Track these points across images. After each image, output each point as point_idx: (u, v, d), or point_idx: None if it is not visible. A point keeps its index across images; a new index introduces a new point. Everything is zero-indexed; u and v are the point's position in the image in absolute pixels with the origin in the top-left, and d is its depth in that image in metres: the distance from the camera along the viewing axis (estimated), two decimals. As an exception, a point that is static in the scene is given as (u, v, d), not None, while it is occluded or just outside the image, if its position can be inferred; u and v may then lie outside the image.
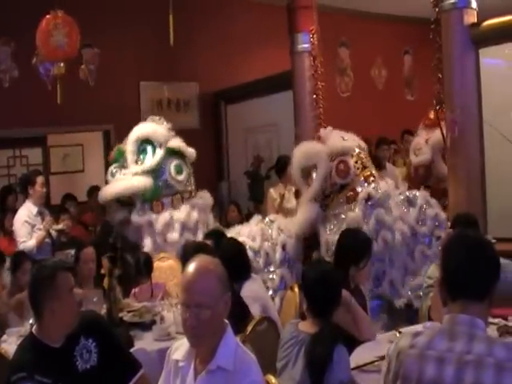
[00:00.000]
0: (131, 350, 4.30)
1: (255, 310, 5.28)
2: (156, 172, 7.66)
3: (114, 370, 3.46)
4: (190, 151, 8.03)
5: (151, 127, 7.86)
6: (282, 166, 9.19)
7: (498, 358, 2.52)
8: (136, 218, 7.56)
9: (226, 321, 3.11)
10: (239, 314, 4.86)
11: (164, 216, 7.53)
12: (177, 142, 7.90)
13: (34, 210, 7.94)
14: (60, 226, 8.33)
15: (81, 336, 3.44)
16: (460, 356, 2.57)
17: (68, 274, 3.43)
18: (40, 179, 8.06)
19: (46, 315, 3.34)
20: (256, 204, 10.58)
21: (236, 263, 5.53)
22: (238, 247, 5.87)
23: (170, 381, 3.16)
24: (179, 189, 7.74)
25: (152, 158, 7.67)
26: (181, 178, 7.75)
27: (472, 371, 2.53)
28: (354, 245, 5.23)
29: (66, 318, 3.38)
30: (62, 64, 7.86)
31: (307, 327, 4.18)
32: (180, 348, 3.19)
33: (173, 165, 7.71)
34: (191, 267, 3.03)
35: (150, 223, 7.53)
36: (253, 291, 5.51)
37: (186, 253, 5.35)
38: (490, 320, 4.61)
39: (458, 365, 2.56)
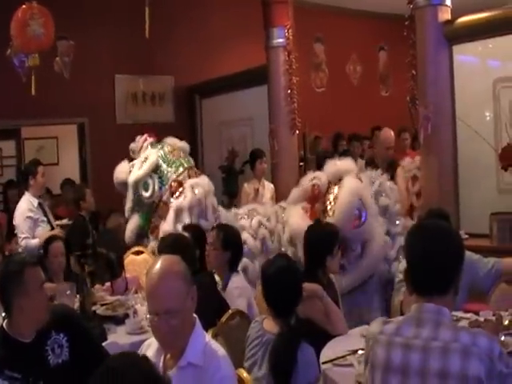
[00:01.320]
0: (104, 344, 4.29)
1: (242, 304, 5.31)
2: (136, 205, 7.42)
3: (85, 364, 3.44)
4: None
5: (117, 172, 7.68)
6: (255, 159, 9.21)
7: (463, 344, 2.57)
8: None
9: (195, 315, 3.08)
10: (218, 309, 4.89)
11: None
12: (135, 172, 7.37)
13: (35, 201, 7.68)
14: (65, 221, 8.15)
15: (52, 331, 3.41)
16: (426, 342, 2.62)
17: (37, 269, 3.38)
18: (41, 169, 7.82)
19: (15, 311, 3.30)
20: (230, 198, 10.57)
21: (236, 252, 5.61)
22: (239, 237, 5.86)
23: None
24: (155, 200, 7.31)
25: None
26: (148, 194, 7.27)
27: (438, 357, 2.58)
28: (325, 234, 5.25)
29: (36, 313, 3.34)
30: (36, 55, 7.79)
31: (271, 326, 4.15)
32: (150, 346, 3.17)
33: (140, 186, 7.35)
34: (154, 272, 2.96)
35: None
36: (241, 285, 5.53)
37: (163, 245, 5.35)
38: (463, 315, 4.67)
39: (425, 351, 2.61)
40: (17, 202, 7.91)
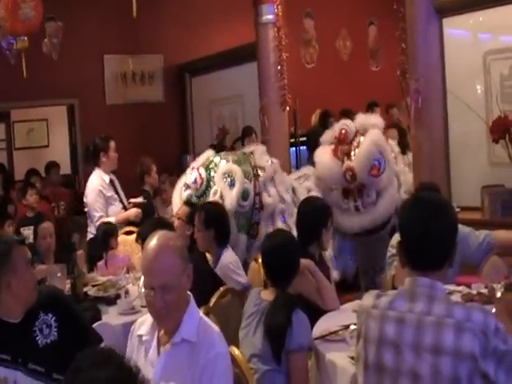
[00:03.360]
0: (96, 325, 4.29)
1: (239, 278, 5.41)
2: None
3: (74, 344, 3.42)
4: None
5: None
6: (244, 137, 9.19)
7: (457, 319, 2.55)
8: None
9: (189, 292, 3.10)
10: (213, 286, 4.90)
11: None
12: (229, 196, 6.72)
13: (107, 178, 7.45)
14: (140, 200, 7.82)
15: (40, 311, 3.38)
16: (420, 317, 2.61)
17: (23, 248, 3.36)
18: (113, 144, 7.57)
19: (3, 291, 3.26)
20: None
21: (220, 228, 5.61)
22: (222, 213, 5.86)
23: (132, 357, 3.14)
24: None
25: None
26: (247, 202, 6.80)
27: (432, 332, 2.57)
28: (319, 208, 5.31)
29: (24, 292, 3.32)
30: (25, 38, 7.71)
31: (268, 295, 4.21)
32: (144, 323, 3.18)
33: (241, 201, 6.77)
34: (150, 247, 2.98)
35: None
36: (234, 260, 5.57)
37: (145, 229, 5.36)
38: (454, 288, 4.67)
39: (418, 325, 2.60)
40: (4, 187, 7.83)
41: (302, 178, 7.47)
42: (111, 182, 7.48)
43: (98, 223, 7.05)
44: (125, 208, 7.56)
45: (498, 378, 2.52)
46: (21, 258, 3.32)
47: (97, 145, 7.63)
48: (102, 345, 3.57)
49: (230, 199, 6.50)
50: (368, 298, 2.82)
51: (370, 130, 6.90)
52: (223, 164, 6.77)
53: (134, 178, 8.44)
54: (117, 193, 7.54)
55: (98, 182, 7.38)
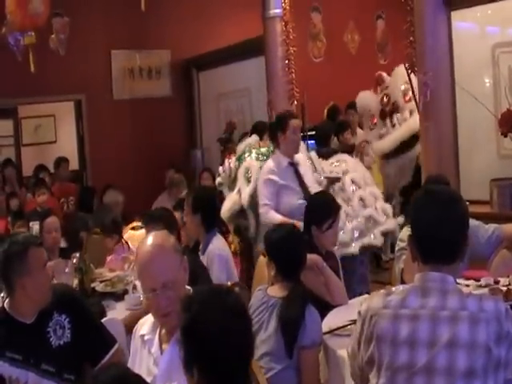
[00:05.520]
0: (103, 320, 4.27)
1: (223, 277, 5.28)
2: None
3: (88, 346, 3.42)
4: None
5: None
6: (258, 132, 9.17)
7: (471, 311, 2.54)
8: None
9: (188, 287, 3.09)
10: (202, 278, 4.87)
11: None
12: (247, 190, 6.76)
13: (285, 161, 6.49)
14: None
15: (54, 312, 3.38)
16: (434, 312, 2.59)
17: (40, 250, 3.37)
18: (295, 122, 6.51)
19: (18, 291, 3.29)
20: (230, 171, 10.53)
21: (207, 212, 5.54)
22: (210, 197, 5.83)
23: (136, 357, 3.15)
24: None
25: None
26: None
27: (447, 326, 2.55)
28: (317, 205, 5.28)
29: (38, 294, 3.32)
30: (32, 34, 7.69)
31: (276, 292, 4.21)
32: (145, 323, 3.18)
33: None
34: (144, 251, 3.00)
35: None
36: (225, 252, 5.52)
37: (150, 219, 5.36)
38: (463, 282, 4.65)
39: (433, 321, 2.58)
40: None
41: (337, 163, 7.40)
42: (291, 166, 6.56)
43: (263, 210, 6.44)
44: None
45: (509, 359, 2.54)
46: (37, 260, 3.31)
47: (276, 122, 6.83)
48: (117, 346, 3.56)
49: (243, 197, 6.50)
50: (376, 299, 2.77)
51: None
52: (248, 159, 6.75)
53: (141, 173, 8.43)
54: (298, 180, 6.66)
55: (270, 166, 6.56)
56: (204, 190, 5.99)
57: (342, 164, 7.25)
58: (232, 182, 6.93)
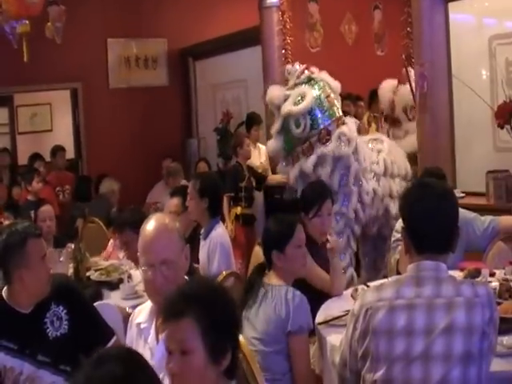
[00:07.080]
0: (99, 303, 4.28)
1: (222, 267, 5.27)
2: (283, 130, 7.20)
3: (85, 338, 3.39)
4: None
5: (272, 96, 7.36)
6: (251, 125, 9.16)
7: (467, 297, 2.61)
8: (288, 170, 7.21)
9: (186, 277, 3.10)
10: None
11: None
12: (289, 106, 7.07)
13: None
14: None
15: (51, 302, 3.36)
16: (429, 300, 2.63)
17: (39, 241, 3.34)
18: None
19: (16, 282, 3.27)
20: (225, 160, 10.54)
21: (214, 199, 5.56)
22: (216, 184, 5.81)
23: (132, 345, 3.14)
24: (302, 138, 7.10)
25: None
26: (299, 131, 7.01)
27: (444, 313, 2.59)
28: (306, 192, 5.31)
29: (36, 286, 3.30)
30: (27, 22, 7.65)
31: (269, 279, 4.19)
32: (142, 312, 3.19)
33: (291, 121, 7.06)
34: (149, 227, 3.04)
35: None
36: (226, 242, 5.49)
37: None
38: (459, 274, 4.64)
39: (429, 309, 2.62)
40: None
41: (374, 141, 7.60)
42: None
43: None
44: None
45: (494, 342, 2.68)
46: (36, 252, 3.29)
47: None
48: (115, 338, 3.55)
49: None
50: (368, 294, 2.79)
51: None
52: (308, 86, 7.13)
53: (137, 163, 8.37)
54: None
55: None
56: (211, 175, 6.01)
57: (379, 145, 7.49)
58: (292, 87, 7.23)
